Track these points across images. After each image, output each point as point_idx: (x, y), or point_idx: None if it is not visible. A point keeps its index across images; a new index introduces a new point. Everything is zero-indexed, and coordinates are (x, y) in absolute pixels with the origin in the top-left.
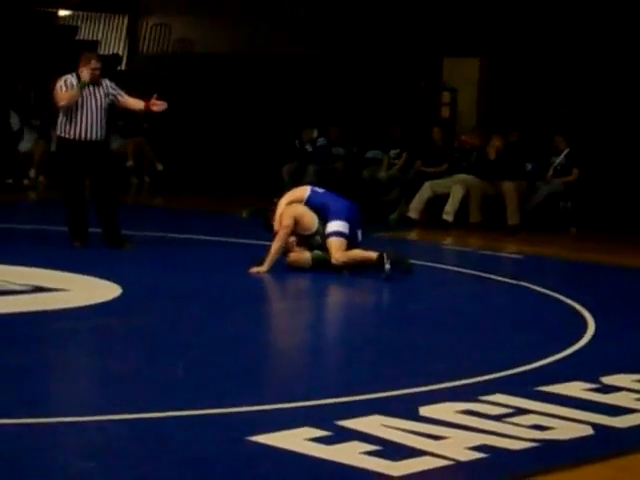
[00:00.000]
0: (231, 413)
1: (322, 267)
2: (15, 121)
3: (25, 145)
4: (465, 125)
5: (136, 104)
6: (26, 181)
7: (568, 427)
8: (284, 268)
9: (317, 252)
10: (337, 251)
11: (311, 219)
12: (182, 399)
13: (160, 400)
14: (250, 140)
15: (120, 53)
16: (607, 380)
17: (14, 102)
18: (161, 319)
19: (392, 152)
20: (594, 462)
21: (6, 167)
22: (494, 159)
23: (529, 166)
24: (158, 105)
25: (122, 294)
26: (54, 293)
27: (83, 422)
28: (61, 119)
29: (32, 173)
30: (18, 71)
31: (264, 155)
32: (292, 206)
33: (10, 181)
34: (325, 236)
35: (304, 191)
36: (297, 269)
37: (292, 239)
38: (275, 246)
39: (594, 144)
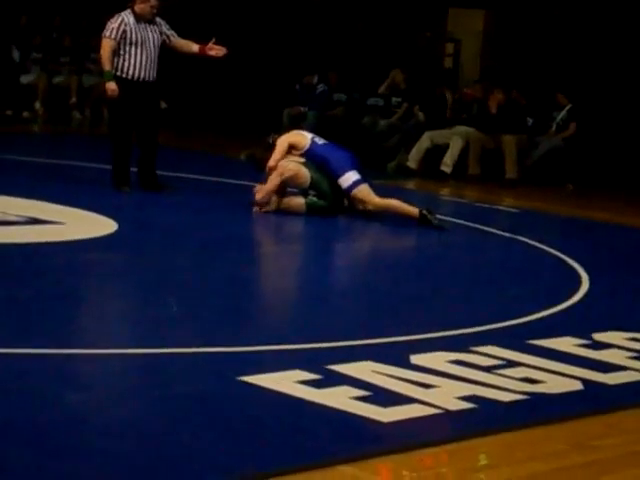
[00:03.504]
0: (223, 353)
1: (316, 213)
2: (16, 55)
3: (27, 77)
4: (467, 77)
5: (189, 47)
6: (25, 113)
7: (558, 381)
8: (279, 212)
9: (312, 198)
10: (371, 197)
11: (304, 176)
12: (174, 337)
13: (151, 337)
14: (252, 82)
15: None
16: (599, 337)
17: (16, 37)
18: (155, 257)
19: (394, 100)
20: (582, 417)
21: (6, 99)
22: (495, 112)
23: (530, 121)
24: (216, 50)
25: (117, 230)
26: (50, 226)
27: (74, 354)
28: (118, 58)
29: (37, 105)
30: (20, 5)
31: (265, 97)
32: (285, 163)
33: (9, 113)
34: (347, 190)
35: (305, 140)
36: (291, 214)
37: (274, 198)
38: (268, 188)
39: (595, 100)
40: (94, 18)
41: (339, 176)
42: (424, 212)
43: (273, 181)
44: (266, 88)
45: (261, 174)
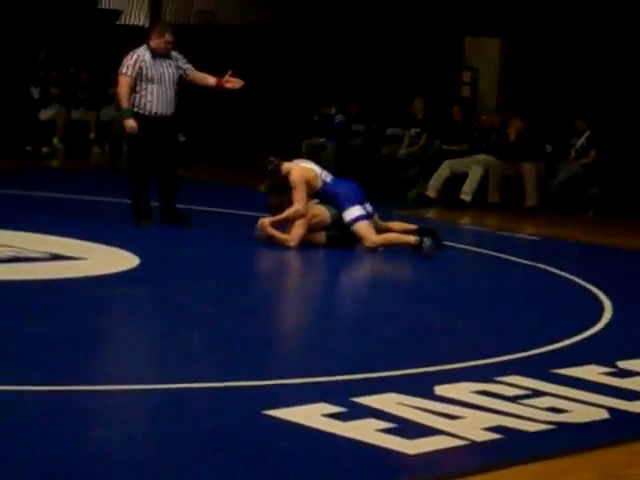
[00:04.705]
0: (247, 387)
1: (336, 244)
2: (35, 92)
3: (45, 113)
4: (485, 105)
5: (206, 79)
6: (45, 149)
7: (583, 410)
8: (300, 244)
9: (332, 230)
10: (370, 235)
11: (327, 218)
12: (198, 371)
13: (176, 371)
14: (270, 114)
15: (142, 24)
16: (623, 364)
17: (34, 74)
18: (178, 290)
19: (412, 130)
20: (609, 446)
21: (26, 135)
22: (514, 140)
23: (549, 148)
24: (233, 82)
25: (139, 265)
26: (71, 261)
27: (99, 391)
28: (135, 94)
29: (56, 141)
30: (37, 41)
31: (284, 129)
32: (311, 208)
33: (29, 148)
34: (349, 224)
35: (317, 180)
36: (310, 246)
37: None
38: (299, 234)
39: (614, 127)
40: (113, 53)
41: (344, 210)
42: (419, 240)
43: (302, 226)
44: (284, 119)
45: (269, 213)
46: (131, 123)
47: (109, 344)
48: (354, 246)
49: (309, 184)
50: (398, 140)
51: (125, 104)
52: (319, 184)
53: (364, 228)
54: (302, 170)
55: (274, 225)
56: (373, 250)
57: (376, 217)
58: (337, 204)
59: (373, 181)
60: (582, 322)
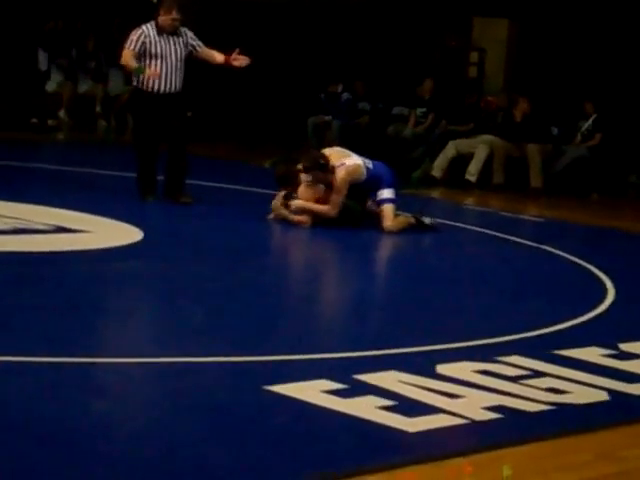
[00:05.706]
0: (248, 362)
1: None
2: (42, 60)
3: (52, 85)
4: (492, 86)
5: (215, 57)
6: (51, 121)
7: (584, 392)
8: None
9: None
10: (390, 220)
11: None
12: (199, 345)
13: (177, 345)
14: (277, 91)
15: None
16: (625, 347)
17: (42, 40)
18: (181, 265)
19: (419, 110)
20: (608, 428)
21: (32, 107)
22: (520, 121)
23: (555, 130)
24: (240, 60)
25: (143, 239)
26: (76, 234)
27: (100, 363)
28: None
29: (62, 114)
30: (47, 12)
31: (290, 106)
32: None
33: (35, 121)
34: (380, 201)
35: (362, 174)
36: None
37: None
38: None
39: (621, 110)
40: (123, 27)
41: (382, 188)
42: (417, 217)
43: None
44: (291, 97)
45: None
46: (151, 71)
47: (111, 317)
48: (360, 226)
49: (354, 180)
50: (404, 119)
51: (135, 64)
52: (364, 176)
53: (390, 210)
54: (349, 172)
55: (299, 209)
56: (389, 233)
57: (370, 202)
58: (379, 184)
59: (379, 160)
60: (584, 304)
